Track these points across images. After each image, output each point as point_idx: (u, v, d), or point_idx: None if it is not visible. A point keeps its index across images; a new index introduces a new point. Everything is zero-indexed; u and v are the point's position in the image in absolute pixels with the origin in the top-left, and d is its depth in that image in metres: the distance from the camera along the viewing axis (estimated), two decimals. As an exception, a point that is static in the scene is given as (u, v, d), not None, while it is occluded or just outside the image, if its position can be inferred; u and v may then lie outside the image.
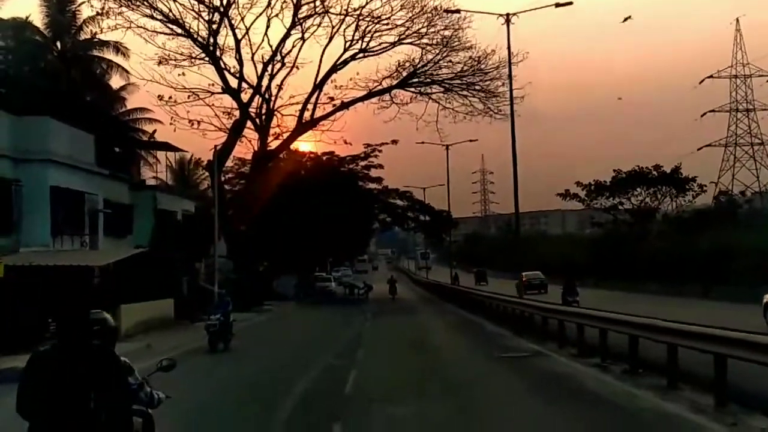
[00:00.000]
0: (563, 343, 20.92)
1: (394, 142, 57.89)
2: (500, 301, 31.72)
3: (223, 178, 61.48)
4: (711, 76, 67.94)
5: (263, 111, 44.92)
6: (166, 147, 44.69)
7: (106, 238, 34.87)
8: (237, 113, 43.67)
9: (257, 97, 44.46)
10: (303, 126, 44.85)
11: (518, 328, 26.05)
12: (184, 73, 41.93)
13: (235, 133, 42.77)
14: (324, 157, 59.08)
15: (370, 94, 44.53)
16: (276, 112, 45.08)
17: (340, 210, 56.31)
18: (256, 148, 44.50)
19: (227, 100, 44.13)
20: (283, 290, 57.52)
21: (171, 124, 44.24)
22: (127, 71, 53.03)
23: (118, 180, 37.95)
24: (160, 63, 42.48)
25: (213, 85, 42.74)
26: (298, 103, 45.02)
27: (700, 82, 60.16)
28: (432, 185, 63.35)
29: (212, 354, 21.86)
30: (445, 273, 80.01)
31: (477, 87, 42.36)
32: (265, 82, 44.12)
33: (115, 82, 56.45)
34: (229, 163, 60.93)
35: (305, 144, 49.43)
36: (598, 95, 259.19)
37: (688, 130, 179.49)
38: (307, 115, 44.89)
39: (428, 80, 43.40)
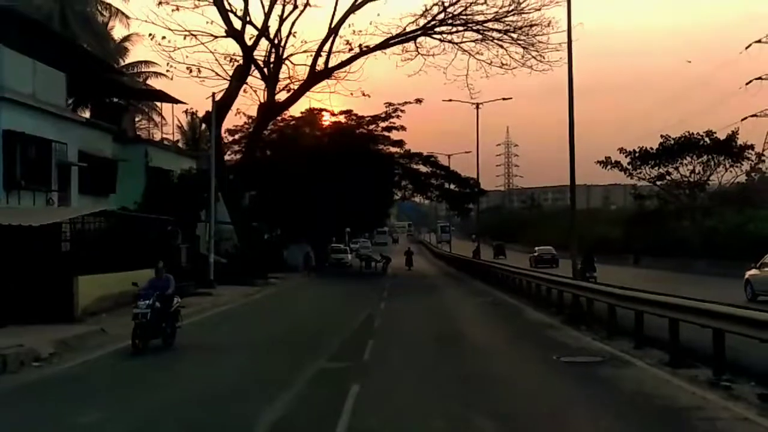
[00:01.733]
0: (641, 341, 15.43)
1: (419, 101, 52.06)
2: (541, 281, 26.13)
3: (229, 139, 56.12)
4: (759, 41, 60.83)
5: (271, 59, 39.10)
6: (161, 97, 39.08)
7: (83, 197, 29.40)
8: (241, 60, 37.86)
9: (264, 41, 38.69)
10: (316, 76, 38.92)
11: (568, 315, 20.91)
12: (177, 8, 35.99)
13: (237, 80, 36.93)
14: (341, 116, 53.35)
15: (393, 38, 38.48)
16: (286, 61, 39.22)
17: (358, 176, 50.84)
18: (262, 100, 38.73)
19: (231, 47, 38.47)
20: (295, 261, 52.02)
21: (168, 71, 38.65)
22: (126, 16, 47.70)
23: (99, 129, 32.46)
24: (159, 3, 36.70)
25: (212, 23, 36.91)
26: (310, 51, 39.19)
27: (747, 47, 53.63)
28: (457, 152, 56.93)
29: (132, 359, 14.56)
30: (465, 246, 79.83)
31: (516, 32, 36.17)
32: (272, 25, 38.30)
33: (118, 31, 51.24)
34: (236, 121, 55.71)
35: (318, 97, 43.55)
36: (627, 65, 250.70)
37: (732, 98, 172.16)
38: (320, 63, 39.05)
39: (459, 23, 37.13)
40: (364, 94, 38.98)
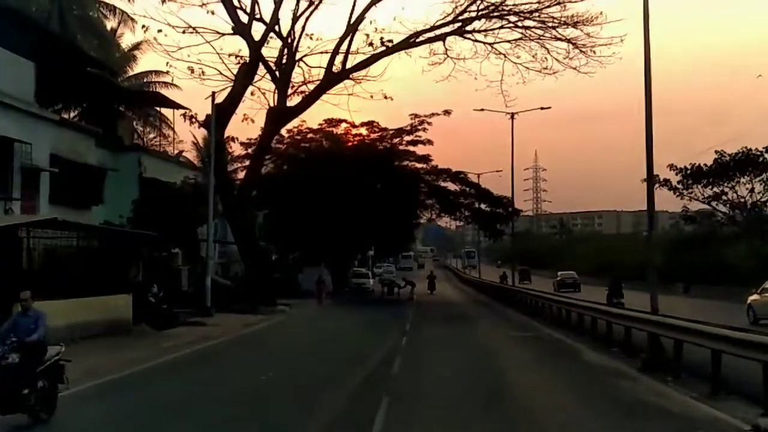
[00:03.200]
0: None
1: (447, 112, 47.20)
2: (599, 314, 20.93)
3: (242, 152, 51.73)
4: None
5: (283, 60, 34.47)
6: (159, 100, 34.67)
7: (56, 207, 24.79)
8: (247, 58, 33.27)
9: (275, 41, 34.13)
10: (332, 77, 34.18)
11: (645, 360, 15.61)
12: (183, 5, 31.61)
13: (243, 79, 32.25)
14: (362, 128, 48.68)
15: (420, 33, 33.62)
16: (300, 62, 34.59)
17: (381, 194, 46.18)
18: (272, 104, 34.06)
19: (240, 47, 34.03)
20: (311, 286, 47.11)
21: (167, 72, 34.25)
22: (132, 19, 43.40)
23: (79, 132, 28.00)
24: (164, 1, 32.26)
25: (213, 13, 32.36)
26: (326, 51, 34.51)
27: None
28: (487, 171, 51.82)
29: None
30: (491, 272, 77.57)
31: (561, 26, 31.21)
32: (285, 24, 33.81)
33: (128, 39, 47.10)
34: (250, 132, 51.30)
35: (335, 101, 38.64)
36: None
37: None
38: (338, 63, 34.34)
39: (495, 15, 32.13)
40: (386, 97, 34.05)
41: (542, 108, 45.94)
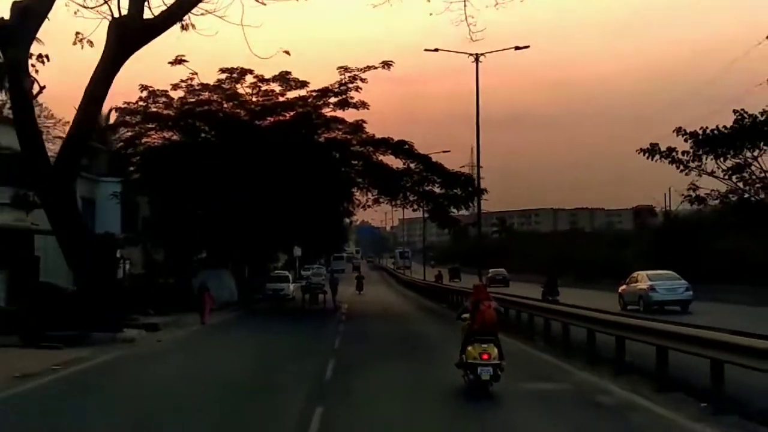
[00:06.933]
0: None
1: (387, 65, 34.91)
2: (593, 324, 14.99)
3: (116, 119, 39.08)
4: None
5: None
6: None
7: None
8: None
9: None
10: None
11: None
12: None
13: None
14: (274, 84, 35.95)
15: None
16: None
17: (301, 177, 33.93)
18: (116, 14, 21.02)
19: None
20: (216, 293, 34.17)
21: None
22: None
23: None
24: None
25: None
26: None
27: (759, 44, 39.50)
28: (434, 151, 38.47)
29: None
30: (426, 272, 76.10)
31: None
32: None
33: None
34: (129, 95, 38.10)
35: (231, 33, 25.70)
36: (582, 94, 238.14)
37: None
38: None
39: None
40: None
41: (517, 48, 33.62)
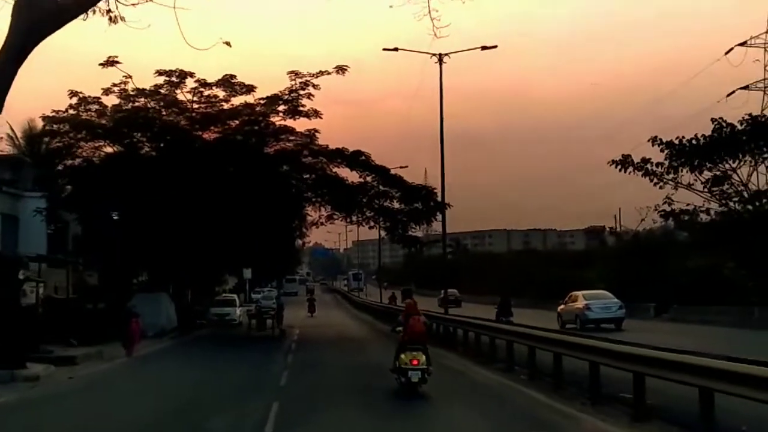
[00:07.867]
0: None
1: (341, 70, 31.99)
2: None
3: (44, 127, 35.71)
4: (744, 44, 43.49)
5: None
6: None
7: None
8: None
9: None
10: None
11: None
12: None
13: None
14: (218, 89, 32.81)
15: None
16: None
17: (248, 190, 30.95)
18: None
19: None
20: (151, 319, 30.70)
21: None
22: None
23: None
24: None
25: None
26: None
27: (727, 53, 39.44)
28: (393, 166, 35.19)
29: None
30: (378, 294, 74.97)
31: None
32: None
33: None
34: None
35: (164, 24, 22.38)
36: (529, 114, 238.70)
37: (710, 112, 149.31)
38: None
39: None
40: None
41: (484, 48, 30.88)
